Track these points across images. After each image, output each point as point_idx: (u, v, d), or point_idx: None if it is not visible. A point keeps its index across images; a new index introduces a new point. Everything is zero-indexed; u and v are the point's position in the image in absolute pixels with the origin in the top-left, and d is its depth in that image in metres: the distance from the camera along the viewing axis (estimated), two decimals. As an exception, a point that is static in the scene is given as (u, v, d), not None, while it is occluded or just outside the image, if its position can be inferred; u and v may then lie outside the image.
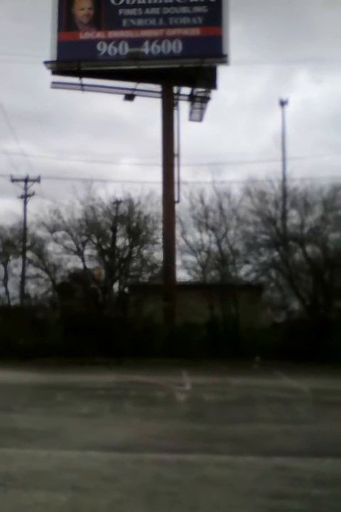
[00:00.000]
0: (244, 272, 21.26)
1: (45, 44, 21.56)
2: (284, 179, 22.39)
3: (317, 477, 5.56)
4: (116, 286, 22.33)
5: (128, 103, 22.87)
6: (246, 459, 6.26)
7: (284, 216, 20.88)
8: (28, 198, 30.29)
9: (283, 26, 53.79)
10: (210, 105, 22.78)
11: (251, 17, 49.31)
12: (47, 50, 21.56)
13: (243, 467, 5.98)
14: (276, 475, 5.68)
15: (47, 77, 22.12)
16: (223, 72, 28.56)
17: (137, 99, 22.87)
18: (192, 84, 22.27)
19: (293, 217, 20.95)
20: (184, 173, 28.75)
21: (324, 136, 51.02)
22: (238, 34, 47.08)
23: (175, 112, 22.41)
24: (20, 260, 24.26)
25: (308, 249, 20.32)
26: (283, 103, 27.16)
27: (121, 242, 22.17)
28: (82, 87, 22.39)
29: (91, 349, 17.85)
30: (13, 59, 36.72)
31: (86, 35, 21.76)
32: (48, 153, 53.08)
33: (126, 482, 5.33)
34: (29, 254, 23.58)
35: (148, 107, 23.38)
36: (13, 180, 30.61)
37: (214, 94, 22.46)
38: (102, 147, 44.33)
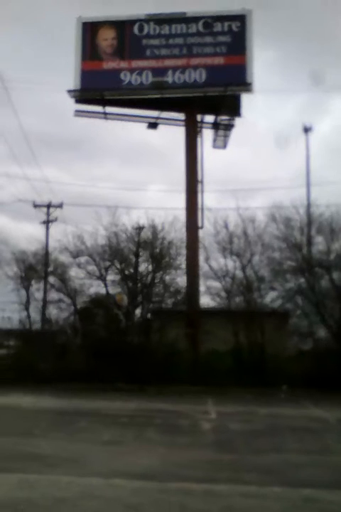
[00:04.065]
0: (270, 298, 20.91)
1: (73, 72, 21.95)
2: (309, 205, 22.17)
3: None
4: (138, 311, 22.26)
5: (155, 130, 23.13)
6: (274, 490, 6.09)
7: (310, 242, 20.60)
8: (50, 224, 30.71)
9: (315, 51, 54.41)
10: (239, 131, 22.78)
11: (284, 43, 49.89)
12: (72, 78, 21.93)
13: (270, 498, 5.82)
14: (305, 506, 5.50)
15: (74, 105, 22.46)
16: (253, 98, 28.87)
17: (163, 126, 23.09)
18: (215, 112, 22.34)
19: (319, 243, 20.64)
20: (210, 199, 28.85)
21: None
22: (270, 60, 47.76)
23: (199, 139, 22.49)
24: (42, 285, 24.43)
25: (335, 275, 19.94)
26: (306, 129, 27.20)
27: (144, 267, 22.17)
28: (105, 115, 22.63)
29: (113, 375, 17.68)
30: (45, 87, 37.65)
31: (109, 64, 22.08)
32: (78, 180, 54.05)
33: (150, 511, 5.18)
34: (51, 279, 23.73)
35: (176, 134, 23.49)
36: (36, 205, 31.09)
37: (243, 120, 22.38)
38: (131, 174, 44.64)
